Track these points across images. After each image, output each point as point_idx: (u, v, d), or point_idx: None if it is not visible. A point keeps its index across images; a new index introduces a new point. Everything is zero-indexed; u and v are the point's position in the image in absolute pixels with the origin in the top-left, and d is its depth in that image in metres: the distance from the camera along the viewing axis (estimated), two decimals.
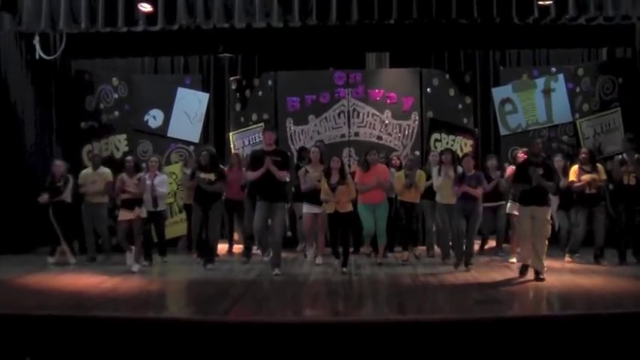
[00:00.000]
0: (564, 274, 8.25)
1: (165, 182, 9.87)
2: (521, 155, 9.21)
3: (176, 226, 11.58)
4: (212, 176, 9.00)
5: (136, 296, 7.24)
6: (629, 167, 8.90)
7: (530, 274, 7.97)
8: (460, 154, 10.16)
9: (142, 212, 9.10)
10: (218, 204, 9.16)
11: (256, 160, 8.50)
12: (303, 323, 5.93)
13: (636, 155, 8.95)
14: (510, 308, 6.60)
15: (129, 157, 9.72)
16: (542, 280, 7.75)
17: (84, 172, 10.18)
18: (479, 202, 8.72)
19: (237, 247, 10.68)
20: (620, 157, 9.12)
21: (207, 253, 9.20)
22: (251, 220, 9.23)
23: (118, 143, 11.50)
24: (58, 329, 5.72)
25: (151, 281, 8.24)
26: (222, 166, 9.55)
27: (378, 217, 9.17)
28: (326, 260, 9.39)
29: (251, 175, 8.55)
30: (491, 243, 10.44)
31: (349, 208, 8.73)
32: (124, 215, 9.05)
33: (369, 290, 7.56)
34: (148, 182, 9.44)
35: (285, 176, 8.46)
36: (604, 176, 9.10)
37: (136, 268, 8.87)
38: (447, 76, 11.75)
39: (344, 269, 8.53)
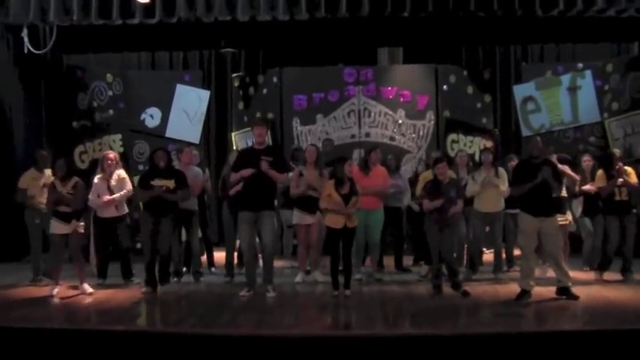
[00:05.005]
0: (591, 287, 8.05)
1: (128, 182, 8.76)
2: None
3: None
4: (171, 183, 7.98)
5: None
6: None
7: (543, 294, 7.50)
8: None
9: (80, 226, 7.98)
10: (170, 217, 8.10)
11: (244, 159, 7.77)
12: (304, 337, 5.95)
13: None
14: (532, 323, 6.62)
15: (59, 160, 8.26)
16: (577, 297, 7.27)
17: (28, 174, 9.10)
18: (456, 215, 7.85)
19: None
20: None
21: (162, 271, 8.23)
22: (229, 234, 8.96)
23: (113, 144, 11.55)
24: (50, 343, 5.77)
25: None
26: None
27: (372, 226, 8.63)
28: (307, 278, 8.76)
29: (235, 177, 7.77)
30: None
31: (356, 222, 7.89)
32: (57, 228, 7.92)
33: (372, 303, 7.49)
34: (96, 181, 8.54)
35: (286, 179, 7.97)
36: (635, 180, 8.86)
37: (87, 289, 7.96)
38: (465, 73, 11.83)
39: (347, 291, 7.69)
